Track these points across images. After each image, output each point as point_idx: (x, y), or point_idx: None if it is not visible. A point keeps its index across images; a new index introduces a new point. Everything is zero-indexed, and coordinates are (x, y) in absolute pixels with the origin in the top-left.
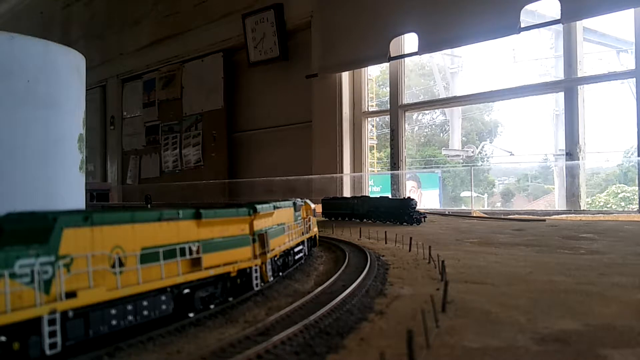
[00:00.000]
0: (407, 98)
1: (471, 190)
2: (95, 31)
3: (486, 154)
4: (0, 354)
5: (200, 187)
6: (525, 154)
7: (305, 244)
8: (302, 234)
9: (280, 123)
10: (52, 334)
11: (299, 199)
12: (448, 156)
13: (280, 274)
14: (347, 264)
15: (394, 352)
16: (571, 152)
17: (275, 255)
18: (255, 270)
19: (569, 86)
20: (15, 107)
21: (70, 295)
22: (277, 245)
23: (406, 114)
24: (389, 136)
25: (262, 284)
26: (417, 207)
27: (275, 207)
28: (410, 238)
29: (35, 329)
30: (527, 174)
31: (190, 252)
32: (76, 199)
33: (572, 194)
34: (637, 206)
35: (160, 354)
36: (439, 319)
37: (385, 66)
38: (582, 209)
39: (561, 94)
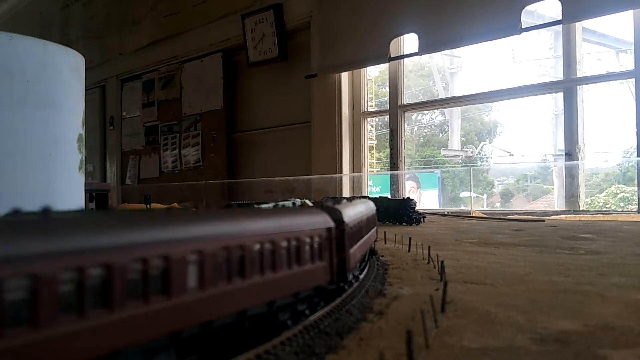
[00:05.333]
0: (406, 98)
1: (470, 191)
2: (94, 31)
3: (485, 154)
4: None
5: (199, 187)
6: (524, 154)
7: None
8: None
9: (280, 123)
10: None
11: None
12: (447, 156)
13: None
14: None
15: (394, 353)
16: (570, 152)
17: None
18: None
19: (568, 86)
20: (14, 108)
21: None
22: None
23: (405, 114)
24: (388, 136)
25: None
26: (417, 208)
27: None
28: (410, 238)
29: None
30: (527, 174)
31: None
32: (75, 199)
33: (571, 194)
34: (636, 206)
35: None
36: (438, 319)
37: (384, 66)
38: (581, 209)
39: (560, 94)
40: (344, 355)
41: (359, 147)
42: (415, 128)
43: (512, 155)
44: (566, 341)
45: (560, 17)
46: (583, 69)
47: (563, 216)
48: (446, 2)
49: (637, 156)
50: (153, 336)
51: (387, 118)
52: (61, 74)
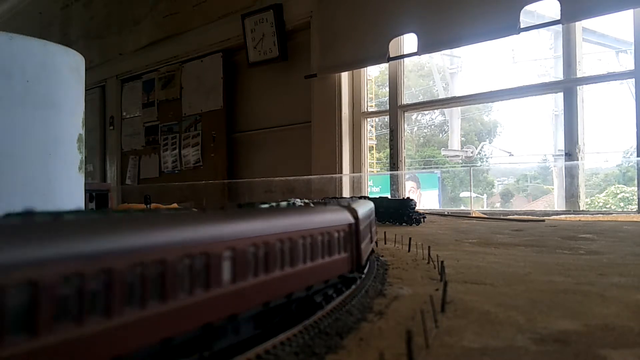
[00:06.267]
0: (406, 98)
1: (470, 191)
2: (94, 31)
3: (485, 155)
4: None
5: (199, 187)
6: (524, 154)
7: None
8: None
9: (280, 123)
10: None
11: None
12: (447, 156)
13: None
14: None
15: (393, 353)
16: (570, 152)
17: None
18: None
19: (568, 86)
20: (14, 108)
21: None
22: None
23: (405, 114)
24: (388, 136)
25: None
26: (417, 208)
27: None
28: (410, 238)
29: None
30: (527, 174)
31: None
32: (75, 199)
33: (571, 195)
34: (636, 206)
35: None
36: (438, 319)
37: (384, 66)
38: (581, 209)
39: (560, 95)
40: (344, 355)
41: (359, 147)
42: (415, 128)
43: (512, 155)
44: (566, 341)
45: (559, 17)
46: (583, 69)
47: (563, 216)
48: (445, 2)
49: (637, 156)
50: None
51: (387, 118)
52: (61, 74)
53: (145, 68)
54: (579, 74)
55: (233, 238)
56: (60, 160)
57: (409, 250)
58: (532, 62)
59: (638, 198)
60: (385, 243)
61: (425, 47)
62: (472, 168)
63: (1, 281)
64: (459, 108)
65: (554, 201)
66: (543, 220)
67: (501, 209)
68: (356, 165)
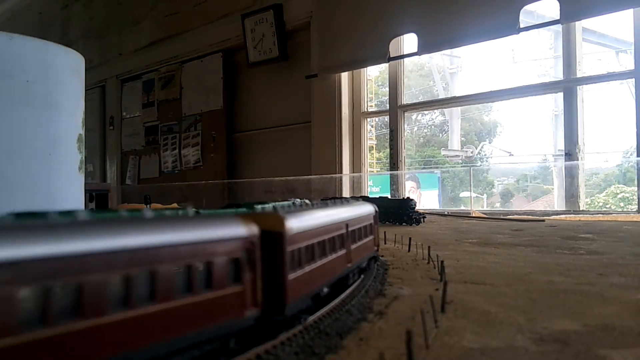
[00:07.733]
0: (406, 98)
1: (470, 191)
2: (94, 31)
3: (485, 155)
4: None
5: (199, 187)
6: (524, 154)
7: None
8: None
9: (280, 123)
10: None
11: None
12: (447, 156)
13: None
14: None
15: (393, 353)
16: (570, 152)
17: None
18: None
19: (568, 86)
20: (14, 108)
21: None
22: None
23: (405, 114)
24: (388, 136)
25: None
26: (417, 208)
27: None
28: (410, 238)
29: None
30: (526, 174)
31: None
32: (75, 200)
33: (571, 194)
34: (636, 206)
35: None
36: (438, 320)
37: (384, 66)
38: (581, 209)
39: (560, 95)
40: (344, 355)
41: (359, 147)
42: (415, 128)
43: (512, 155)
44: (566, 341)
45: (558, 17)
46: (583, 69)
47: (563, 216)
48: (445, 2)
49: (637, 156)
50: None
51: (387, 118)
52: (61, 74)
53: (145, 68)
54: (579, 74)
55: None
56: (60, 160)
57: (409, 250)
58: (532, 62)
59: (638, 198)
60: (385, 243)
61: (425, 47)
62: (472, 168)
63: None
64: (459, 108)
65: (554, 201)
66: (543, 220)
67: (501, 209)
68: (356, 165)
